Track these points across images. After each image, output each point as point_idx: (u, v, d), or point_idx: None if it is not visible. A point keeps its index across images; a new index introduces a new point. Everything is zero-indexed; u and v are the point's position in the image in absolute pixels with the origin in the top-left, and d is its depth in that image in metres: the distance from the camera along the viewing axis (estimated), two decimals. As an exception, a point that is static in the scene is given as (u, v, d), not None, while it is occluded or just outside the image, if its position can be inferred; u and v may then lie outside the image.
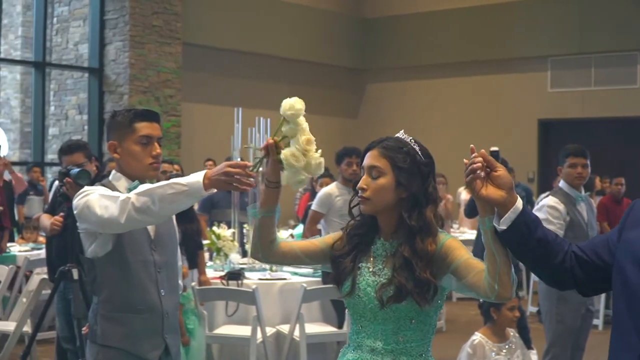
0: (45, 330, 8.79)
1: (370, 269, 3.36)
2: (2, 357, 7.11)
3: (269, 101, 16.92)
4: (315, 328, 7.59)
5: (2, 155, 11.68)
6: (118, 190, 4.00)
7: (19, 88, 20.82)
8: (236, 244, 8.41)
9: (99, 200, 3.76)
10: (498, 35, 18.13)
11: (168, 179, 7.04)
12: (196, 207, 10.56)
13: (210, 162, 14.22)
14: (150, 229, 4.11)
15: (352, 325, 3.45)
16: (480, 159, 2.92)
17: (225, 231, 8.36)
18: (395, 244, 3.35)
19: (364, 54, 20.00)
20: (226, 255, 8.28)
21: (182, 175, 7.77)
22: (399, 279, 3.25)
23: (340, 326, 7.65)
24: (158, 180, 3.91)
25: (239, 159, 9.20)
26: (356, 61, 19.98)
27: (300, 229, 11.37)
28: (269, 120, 8.99)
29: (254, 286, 7.15)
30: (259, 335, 7.09)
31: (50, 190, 11.92)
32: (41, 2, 15.30)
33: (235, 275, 7.66)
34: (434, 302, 3.31)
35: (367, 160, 3.38)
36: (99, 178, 5.88)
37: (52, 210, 6.66)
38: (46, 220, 6.47)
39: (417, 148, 3.36)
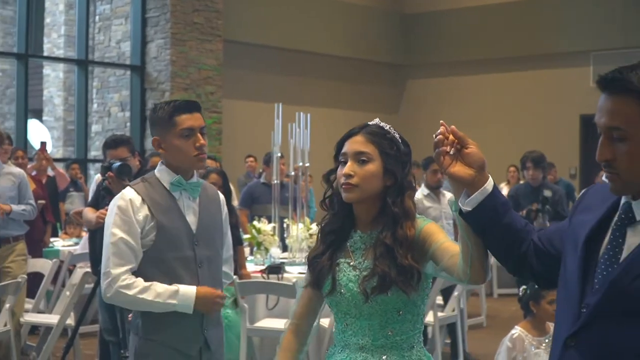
0: (88, 323, 8.88)
1: (351, 263, 3.26)
2: (46, 350, 7.19)
3: (309, 97, 17.02)
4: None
5: (47, 152, 11.81)
6: (162, 185, 4.07)
7: (62, 86, 21.03)
8: (276, 238, 8.44)
9: (111, 256, 3.96)
10: (540, 31, 18.03)
11: (207, 174, 7.13)
12: (236, 202, 10.64)
13: (251, 159, 14.26)
14: (192, 222, 4.12)
15: (336, 324, 3.35)
16: (442, 129, 2.74)
17: (265, 226, 8.39)
18: (374, 234, 3.25)
19: (405, 50, 19.98)
20: (267, 250, 8.31)
21: (223, 171, 7.83)
22: (381, 268, 3.15)
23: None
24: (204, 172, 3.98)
25: (279, 155, 9.25)
26: (397, 57, 19.97)
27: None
28: (309, 115, 9.02)
29: (294, 280, 7.17)
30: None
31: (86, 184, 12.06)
32: (83, 1, 15.43)
33: (276, 269, 7.70)
34: (420, 290, 3.21)
35: (352, 145, 3.25)
36: (142, 172, 5.93)
37: (95, 204, 6.72)
38: (90, 213, 6.53)
39: (397, 136, 3.27)
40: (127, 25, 15.52)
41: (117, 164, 5.96)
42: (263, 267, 7.87)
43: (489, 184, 2.69)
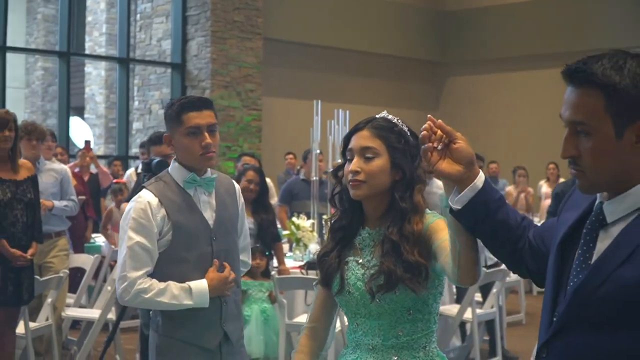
0: (128, 318, 8.96)
1: (359, 261, 3.16)
2: (87, 344, 7.26)
3: (348, 94, 17.04)
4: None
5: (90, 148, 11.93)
6: (176, 183, 4.08)
7: (104, 84, 21.20)
8: (315, 234, 8.48)
9: (127, 259, 3.97)
10: (580, 27, 17.93)
11: (245, 171, 7.17)
12: (275, 200, 10.69)
13: (290, 156, 14.30)
14: (209, 217, 4.12)
15: (348, 324, 3.25)
16: (427, 124, 2.58)
17: (304, 222, 8.43)
18: (382, 231, 3.15)
19: (444, 47, 19.95)
20: (305, 246, 8.35)
21: (260, 168, 7.88)
22: (387, 265, 3.05)
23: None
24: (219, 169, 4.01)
25: (318, 151, 9.29)
26: (436, 54, 19.94)
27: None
28: (347, 112, 9.05)
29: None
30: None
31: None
32: (125, 0, 15.56)
33: (314, 264, 7.72)
34: (431, 288, 3.10)
35: (358, 141, 3.15)
36: (161, 165, 6.00)
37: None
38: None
39: (405, 128, 3.17)
40: (167, 23, 15.63)
41: (156, 160, 6.03)
42: (302, 263, 7.91)
43: (479, 180, 2.55)
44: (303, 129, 11.41)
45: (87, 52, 21.09)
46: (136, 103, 16.18)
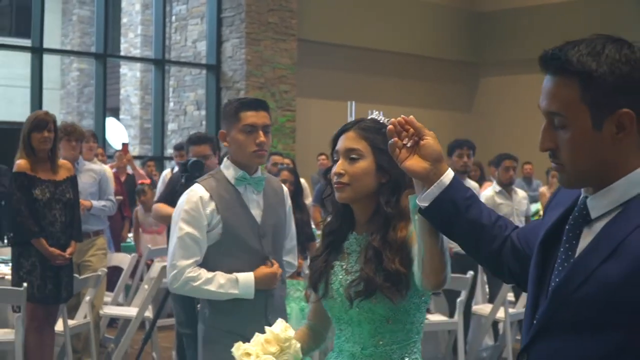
0: (165, 316, 9.04)
1: (344, 267, 3.07)
2: (124, 342, 7.33)
3: (381, 95, 17.06)
4: (428, 317, 7.66)
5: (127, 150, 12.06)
6: (228, 180, 4.22)
7: (139, 85, 21.33)
8: (349, 234, 8.52)
9: (178, 249, 4.15)
10: (616, 27, 17.84)
11: (279, 171, 7.26)
12: (309, 200, 10.75)
13: (322, 157, 14.36)
14: (257, 215, 4.27)
15: (335, 329, 3.16)
16: (393, 119, 2.49)
17: (339, 222, 8.46)
18: (367, 236, 3.04)
19: (478, 47, 19.92)
20: (339, 246, 8.39)
21: (294, 168, 7.94)
22: (367, 272, 2.96)
23: (451, 315, 7.71)
24: (266, 167, 4.12)
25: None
26: (470, 55, 19.92)
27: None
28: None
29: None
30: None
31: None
32: (160, 1, 15.68)
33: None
34: (412, 298, 2.99)
35: (343, 142, 3.07)
36: (197, 165, 6.13)
37: (171, 200, 6.81)
38: (166, 209, 6.57)
39: None
40: (202, 25, 15.73)
41: (192, 160, 6.14)
42: (335, 263, 7.95)
43: (447, 177, 2.43)
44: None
45: (122, 53, 21.24)
46: (171, 104, 16.29)
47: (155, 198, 8.03)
